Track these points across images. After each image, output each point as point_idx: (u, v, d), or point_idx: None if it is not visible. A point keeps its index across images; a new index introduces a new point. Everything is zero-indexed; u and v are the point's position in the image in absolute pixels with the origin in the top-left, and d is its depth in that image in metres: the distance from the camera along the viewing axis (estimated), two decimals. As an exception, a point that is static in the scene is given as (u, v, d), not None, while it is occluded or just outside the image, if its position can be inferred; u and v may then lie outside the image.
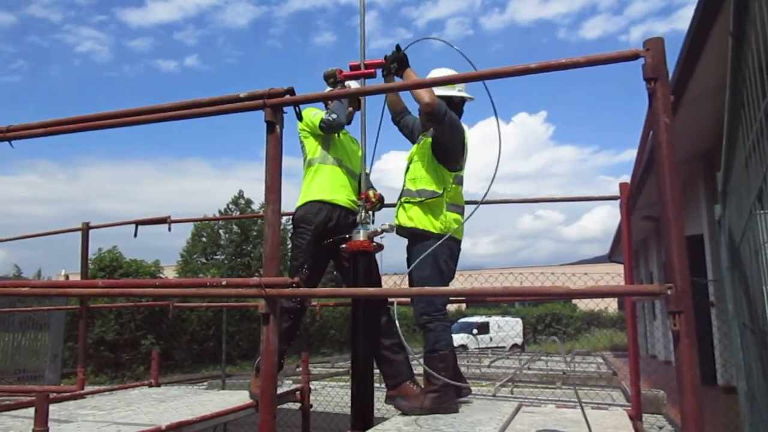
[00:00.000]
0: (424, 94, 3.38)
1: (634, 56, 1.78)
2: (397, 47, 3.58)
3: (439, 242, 3.40)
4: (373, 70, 3.65)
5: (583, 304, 33.77)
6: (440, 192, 3.55)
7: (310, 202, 3.78)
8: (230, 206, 33.02)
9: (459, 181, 3.69)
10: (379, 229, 3.60)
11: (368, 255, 3.54)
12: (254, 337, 19.82)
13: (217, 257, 33.38)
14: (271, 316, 2.04)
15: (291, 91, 2.15)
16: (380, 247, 3.63)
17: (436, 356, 3.44)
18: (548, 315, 35.75)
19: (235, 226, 32.85)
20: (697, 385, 1.59)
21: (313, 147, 3.90)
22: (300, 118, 2.22)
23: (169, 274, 27.40)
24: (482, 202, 3.52)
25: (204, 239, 33.67)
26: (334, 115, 3.73)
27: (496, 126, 3.35)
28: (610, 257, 21.53)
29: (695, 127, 8.66)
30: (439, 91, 3.64)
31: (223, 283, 2.13)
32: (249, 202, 32.78)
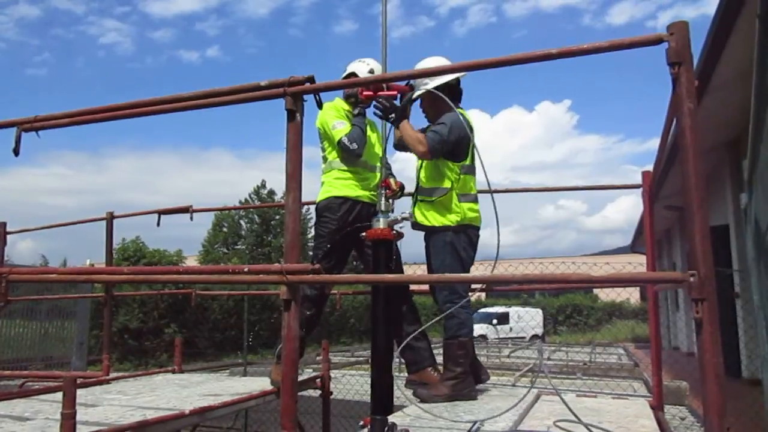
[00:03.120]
0: (417, 146, 3.53)
1: (658, 41, 1.75)
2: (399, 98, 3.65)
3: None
4: (395, 93, 3.63)
5: (605, 295, 33.47)
6: (449, 187, 3.59)
7: (334, 196, 3.84)
8: (252, 196, 33.28)
9: (468, 171, 3.68)
10: (399, 217, 3.60)
11: (388, 243, 3.55)
12: (275, 326, 20.05)
13: (239, 247, 33.70)
14: (292, 302, 2.06)
15: (311, 80, 2.16)
16: (400, 236, 3.62)
17: (455, 343, 3.46)
18: (569, 306, 35.48)
19: (256, 216, 33.12)
20: (720, 374, 1.58)
21: (332, 148, 3.93)
22: (320, 106, 2.23)
23: (191, 263, 27.75)
24: (505, 191, 3.50)
25: (225, 229, 34.02)
26: (354, 145, 3.75)
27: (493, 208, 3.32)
28: (633, 248, 21.32)
29: (721, 115, 8.49)
30: (437, 81, 3.64)
31: (245, 269, 2.15)
32: (271, 192, 32.98)
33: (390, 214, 3.67)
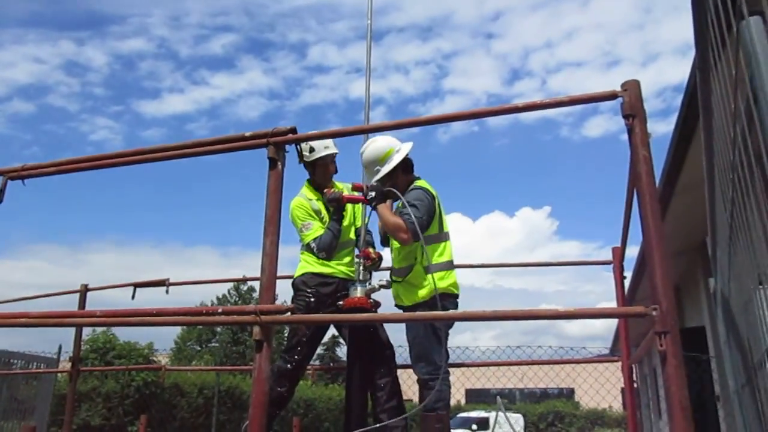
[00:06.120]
0: (400, 235, 3.42)
1: (613, 96, 1.91)
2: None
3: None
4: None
5: (585, 402, 32.72)
6: (414, 263, 3.58)
7: (310, 273, 3.86)
8: (231, 292, 32.82)
9: (435, 240, 3.63)
10: (377, 285, 3.62)
11: (365, 312, 3.55)
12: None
13: (213, 345, 32.79)
14: (264, 343, 2.05)
15: (293, 131, 2.28)
16: (377, 305, 3.63)
17: (433, 416, 3.38)
18: (550, 413, 34.53)
19: (232, 313, 32.50)
20: (686, 406, 1.59)
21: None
22: (301, 157, 2.34)
23: (163, 360, 26.83)
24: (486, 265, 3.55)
25: (199, 326, 33.20)
26: (323, 254, 3.81)
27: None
28: (612, 351, 21.11)
29: (690, 217, 8.78)
30: (394, 162, 3.60)
31: (219, 310, 2.16)
32: (251, 289, 32.49)
33: (367, 283, 3.70)
